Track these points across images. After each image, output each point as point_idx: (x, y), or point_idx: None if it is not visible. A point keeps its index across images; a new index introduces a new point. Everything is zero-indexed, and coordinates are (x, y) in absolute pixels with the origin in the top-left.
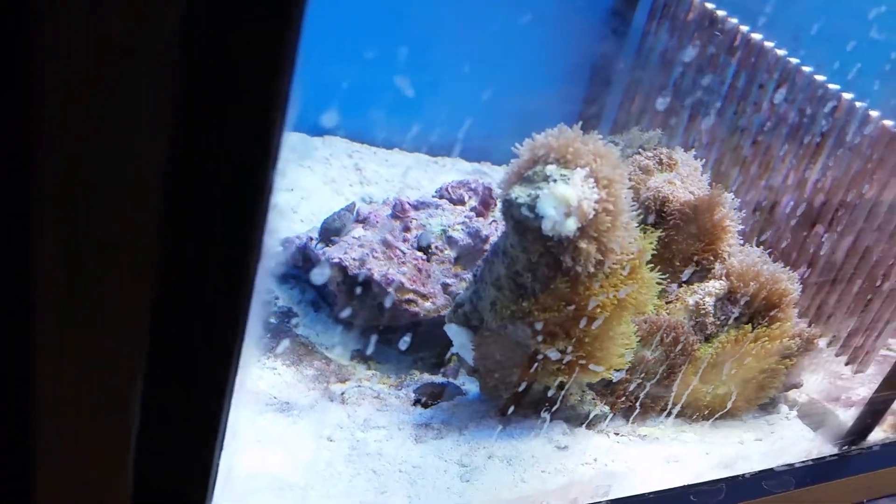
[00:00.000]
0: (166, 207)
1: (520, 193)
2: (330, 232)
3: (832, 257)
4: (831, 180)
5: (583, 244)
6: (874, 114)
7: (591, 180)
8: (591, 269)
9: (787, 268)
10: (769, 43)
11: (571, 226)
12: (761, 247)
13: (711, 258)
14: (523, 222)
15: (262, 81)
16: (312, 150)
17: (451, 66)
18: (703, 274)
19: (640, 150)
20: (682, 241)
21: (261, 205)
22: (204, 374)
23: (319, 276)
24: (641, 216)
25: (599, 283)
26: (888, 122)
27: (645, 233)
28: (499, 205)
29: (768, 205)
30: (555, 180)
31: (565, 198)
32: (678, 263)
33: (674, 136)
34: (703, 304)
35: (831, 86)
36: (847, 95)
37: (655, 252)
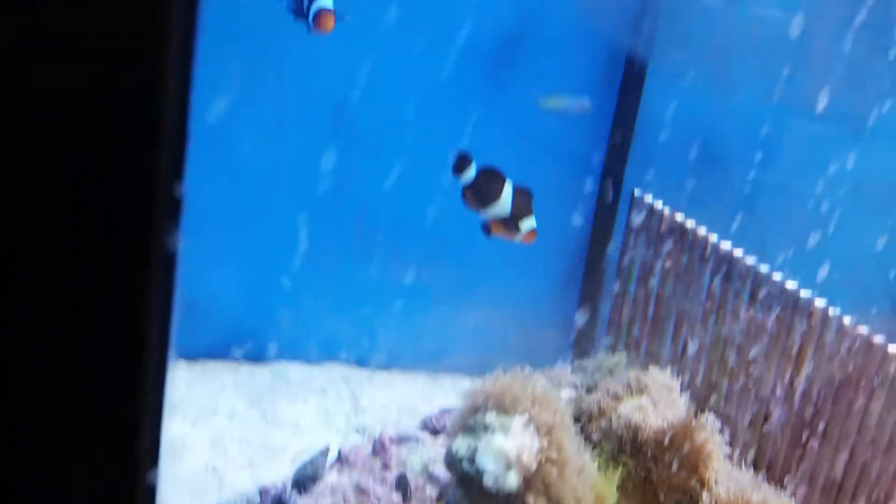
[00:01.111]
0: None
1: (460, 446)
2: (304, 479)
3: (831, 474)
4: (818, 391)
5: (530, 499)
6: (847, 320)
7: (532, 427)
8: None
9: (784, 489)
10: (738, 251)
11: (513, 480)
12: (757, 466)
13: (698, 487)
14: (467, 476)
15: None
16: (309, 382)
17: (448, 287)
18: None
19: (608, 374)
20: (662, 470)
21: None
22: None
23: None
24: (614, 447)
25: None
26: (863, 330)
27: (617, 468)
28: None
29: (759, 418)
30: (494, 430)
31: (503, 450)
32: (663, 496)
33: (662, 345)
34: None
35: (803, 292)
36: (819, 303)
37: (636, 485)
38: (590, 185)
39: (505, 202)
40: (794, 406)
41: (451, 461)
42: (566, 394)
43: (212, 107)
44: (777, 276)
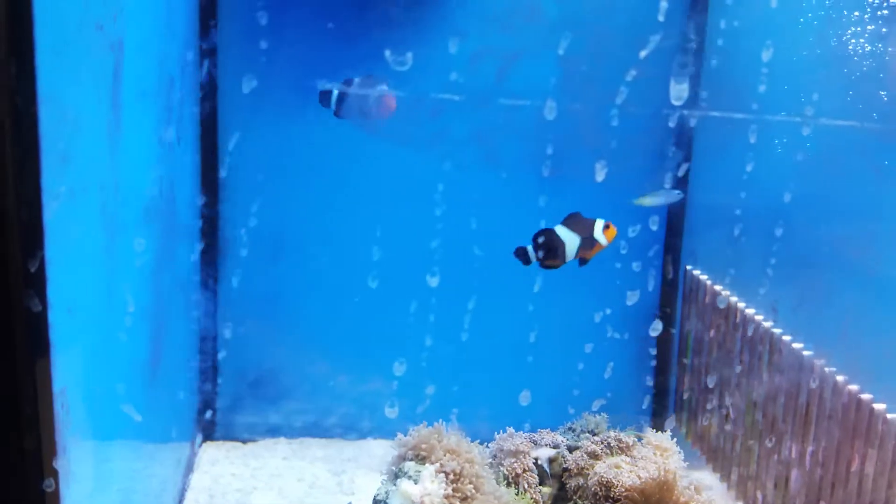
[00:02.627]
0: None
1: (380, 490)
2: None
3: None
4: (823, 452)
5: None
6: (840, 379)
7: (441, 475)
8: None
9: None
10: (759, 316)
11: None
12: None
13: None
14: None
15: None
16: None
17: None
18: None
19: (589, 434)
20: None
21: None
22: None
23: None
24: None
25: None
26: (853, 388)
27: None
28: None
29: (782, 480)
30: (409, 477)
31: (408, 495)
32: None
33: (714, 413)
34: None
35: (806, 352)
36: (819, 362)
37: None
38: (650, 270)
39: (570, 237)
40: (806, 467)
41: (375, 503)
42: (544, 453)
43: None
44: (787, 338)
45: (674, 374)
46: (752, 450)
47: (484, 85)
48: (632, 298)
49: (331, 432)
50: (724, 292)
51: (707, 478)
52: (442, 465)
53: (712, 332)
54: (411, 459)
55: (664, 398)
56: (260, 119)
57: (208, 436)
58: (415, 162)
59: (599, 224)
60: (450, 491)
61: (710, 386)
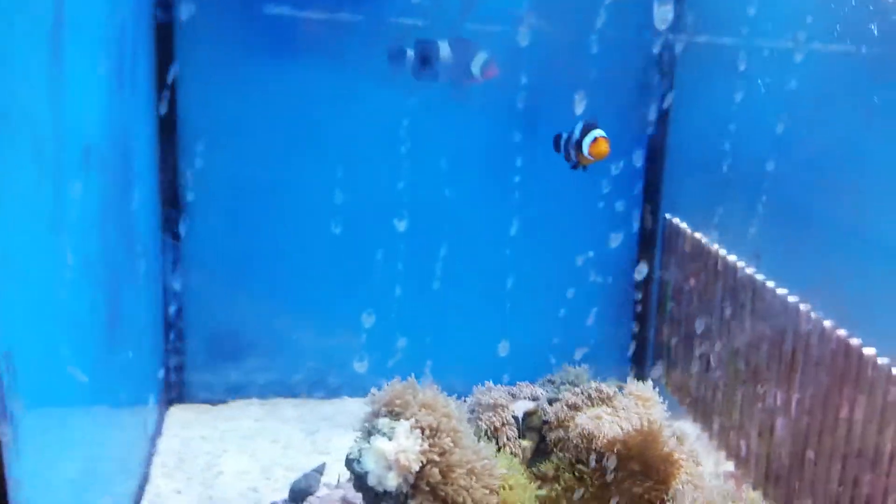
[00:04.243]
0: None
1: (353, 448)
2: (298, 491)
3: (828, 489)
4: (810, 399)
5: (416, 499)
6: (828, 324)
7: (417, 431)
8: None
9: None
10: (741, 263)
11: (392, 481)
12: (767, 479)
13: (664, 497)
14: (359, 476)
15: None
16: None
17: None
18: None
19: (568, 386)
20: (623, 479)
21: None
22: None
23: None
24: (572, 457)
25: None
26: (841, 333)
27: (574, 476)
28: None
29: (766, 429)
30: (384, 434)
31: (382, 452)
32: None
33: (693, 362)
34: None
35: (791, 298)
36: (805, 307)
37: (593, 494)
38: (634, 211)
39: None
40: (791, 415)
41: (347, 462)
42: (523, 406)
43: None
44: (771, 284)
45: (654, 322)
46: (735, 399)
47: (450, 8)
48: (615, 241)
49: (301, 391)
50: (704, 239)
51: (687, 427)
52: (417, 421)
53: (692, 281)
54: (385, 416)
55: (647, 347)
56: (217, 61)
57: (176, 398)
58: (377, 97)
59: (593, 134)
60: (426, 446)
61: (690, 335)
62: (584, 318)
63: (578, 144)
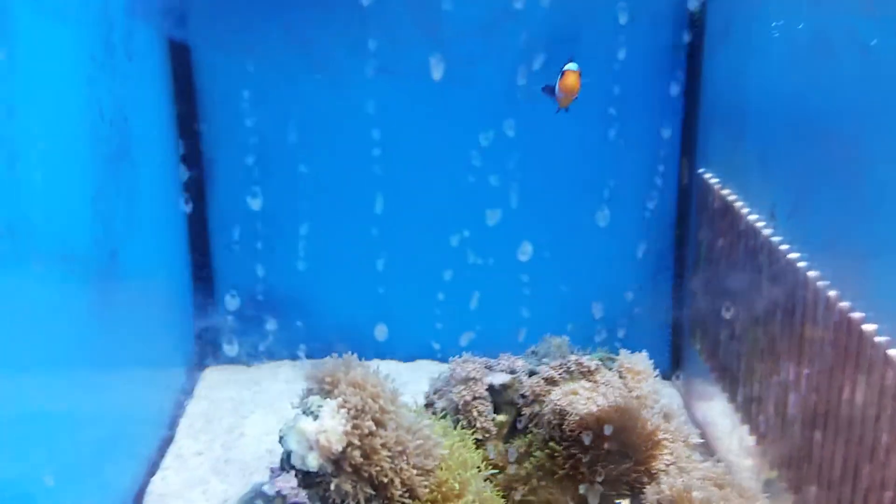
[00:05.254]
0: None
1: (283, 427)
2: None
3: (830, 475)
4: (816, 375)
5: (336, 481)
6: (832, 294)
7: (343, 411)
8: None
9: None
10: (761, 223)
11: (313, 461)
12: (781, 460)
13: (645, 479)
14: (286, 455)
15: None
16: (396, 377)
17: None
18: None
19: (546, 359)
20: (598, 460)
21: None
22: None
23: None
24: (546, 433)
25: None
26: (844, 305)
27: (550, 455)
28: None
29: (781, 404)
30: (311, 412)
31: (304, 432)
32: (598, 486)
33: (715, 330)
34: None
35: (801, 263)
36: (813, 274)
37: (561, 474)
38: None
39: None
40: (801, 392)
41: (279, 440)
42: (499, 378)
43: None
44: (784, 247)
45: (688, 288)
46: (755, 370)
47: None
48: (653, 200)
49: (333, 353)
50: (730, 196)
51: (717, 396)
52: (345, 400)
53: (721, 241)
54: (317, 393)
55: (686, 313)
56: (235, 24)
57: (210, 360)
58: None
59: (563, 70)
60: (349, 427)
61: (719, 299)
62: (623, 281)
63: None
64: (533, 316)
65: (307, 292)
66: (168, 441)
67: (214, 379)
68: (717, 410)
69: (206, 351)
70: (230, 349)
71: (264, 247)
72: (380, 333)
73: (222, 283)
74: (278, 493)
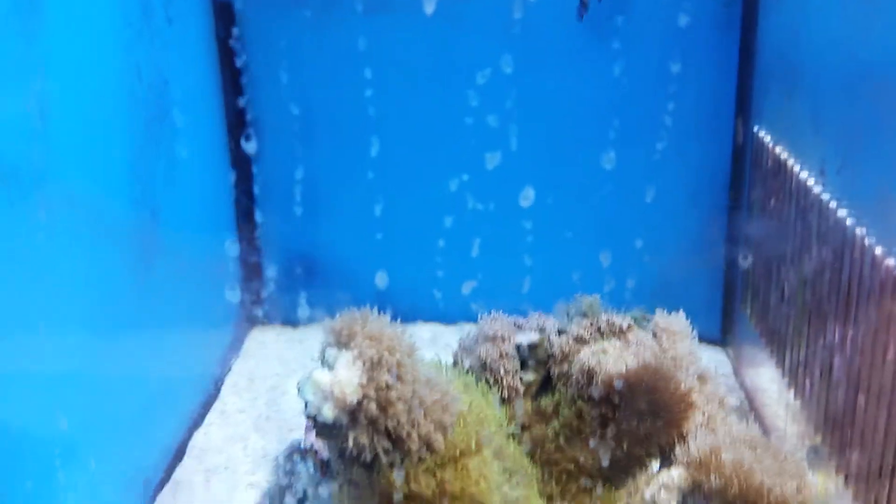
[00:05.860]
0: None
1: (301, 378)
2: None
3: (874, 439)
4: (862, 337)
5: (353, 433)
6: (879, 251)
7: (360, 363)
8: (387, 459)
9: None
10: (811, 180)
11: (328, 412)
12: (825, 426)
13: (675, 440)
14: (304, 405)
15: None
16: (439, 339)
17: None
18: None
19: (577, 318)
20: (629, 419)
21: None
22: None
23: None
24: (574, 393)
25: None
26: (891, 262)
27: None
28: None
29: (826, 368)
30: (327, 364)
31: (318, 383)
32: (626, 447)
33: (764, 292)
34: (661, 502)
35: (848, 221)
36: (860, 231)
37: (588, 433)
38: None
39: None
40: (847, 354)
41: (297, 391)
42: (527, 337)
43: None
44: (833, 204)
45: (741, 252)
46: (802, 333)
47: None
48: (707, 159)
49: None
50: (783, 154)
51: (765, 362)
52: (361, 353)
53: (773, 201)
54: (333, 346)
55: (738, 275)
56: None
57: (259, 320)
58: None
59: None
60: (364, 380)
61: (769, 261)
62: (675, 246)
63: None
64: (582, 276)
65: (353, 255)
66: (213, 397)
67: (261, 338)
68: (766, 377)
69: (253, 311)
70: (276, 310)
71: (309, 210)
72: (434, 294)
73: (272, 244)
74: (312, 446)
